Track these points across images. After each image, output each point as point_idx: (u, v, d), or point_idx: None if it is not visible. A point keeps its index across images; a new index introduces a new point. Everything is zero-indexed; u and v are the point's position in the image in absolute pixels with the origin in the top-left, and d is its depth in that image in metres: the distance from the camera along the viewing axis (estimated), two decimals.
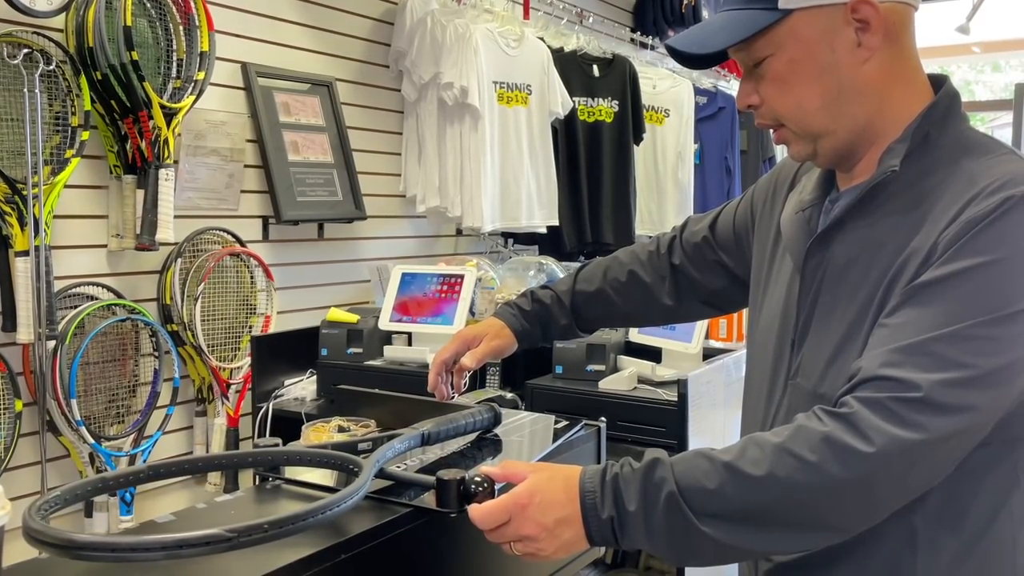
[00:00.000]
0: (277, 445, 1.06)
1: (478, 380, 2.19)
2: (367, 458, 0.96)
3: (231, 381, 2.40)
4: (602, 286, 1.39)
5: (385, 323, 2.26)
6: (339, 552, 0.85)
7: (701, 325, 1.95)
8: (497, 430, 1.27)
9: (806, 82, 0.95)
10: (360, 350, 2.25)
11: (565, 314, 1.38)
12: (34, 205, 1.92)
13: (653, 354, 2.04)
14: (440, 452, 1.16)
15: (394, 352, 2.22)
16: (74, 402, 2.02)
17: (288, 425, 2.11)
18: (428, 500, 0.97)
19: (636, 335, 2.07)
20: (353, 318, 2.28)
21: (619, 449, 1.84)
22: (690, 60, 1.03)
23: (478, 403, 1.82)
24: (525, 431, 1.28)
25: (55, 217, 2.06)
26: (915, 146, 0.95)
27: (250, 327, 2.49)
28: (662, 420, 1.83)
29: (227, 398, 2.40)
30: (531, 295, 1.41)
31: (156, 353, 2.24)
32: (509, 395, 2.09)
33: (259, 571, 0.76)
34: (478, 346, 1.35)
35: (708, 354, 2.01)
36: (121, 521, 2.14)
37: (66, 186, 2.05)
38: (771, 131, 1.03)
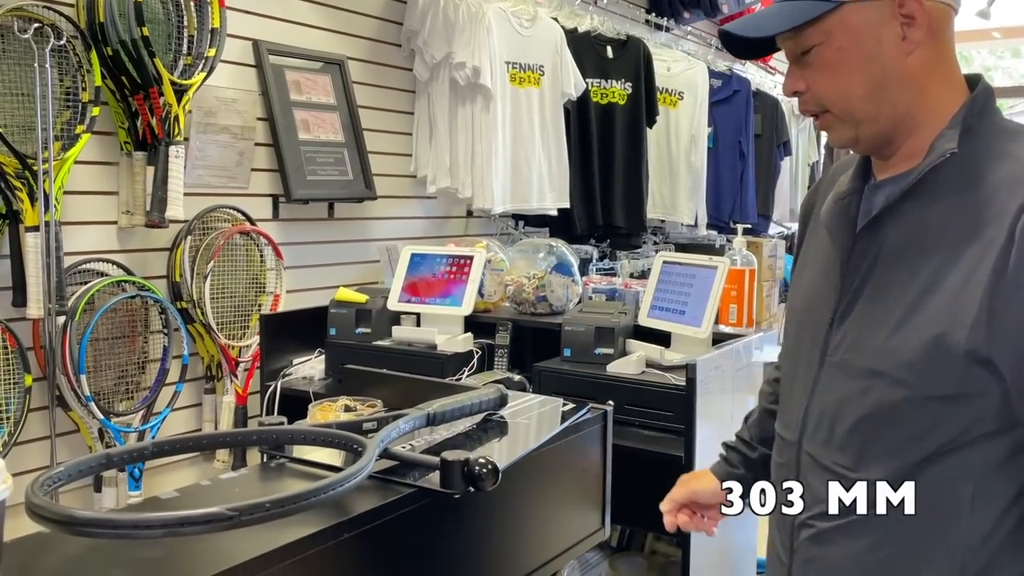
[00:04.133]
0: (283, 424, 1.05)
1: (486, 362, 2.19)
2: (372, 438, 0.95)
3: (240, 359, 2.41)
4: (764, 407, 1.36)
5: (394, 304, 2.26)
6: (342, 531, 0.85)
7: (711, 309, 1.94)
8: (503, 411, 1.26)
9: (853, 70, 1.01)
10: (368, 330, 2.25)
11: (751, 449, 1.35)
12: (44, 180, 1.92)
13: (662, 338, 2.03)
14: (446, 433, 1.16)
15: (402, 333, 2.22)
16: (83, 378, 2.02)
17: (296, 404, 2.11)
18: (433, 481, 0.96)
19: (645, 319, 2.06)
20: (362, 298, 2.28)
21: (626, 433, 1.83)
22: (740, 48, 1.10)
23: (485, 385, 1.82)
24: (531, 413, 1.27)
25: (65, 193, 2.06)
26: (960, 134, 0.99)
27: (259, 305, 2.49)
28: (670, 404, 1.82)
29: (236, 376, 2.40)
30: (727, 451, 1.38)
31: (165, 330, 2.25)
32: (517, 377, 2.09)
33: (262, 549, 0.76)
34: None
35: (718, 339, 1.99)
36: (130, 496, 2.16)
37: (77, 162, 2.05)
38: (814, 118, 1.08)
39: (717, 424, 1.80)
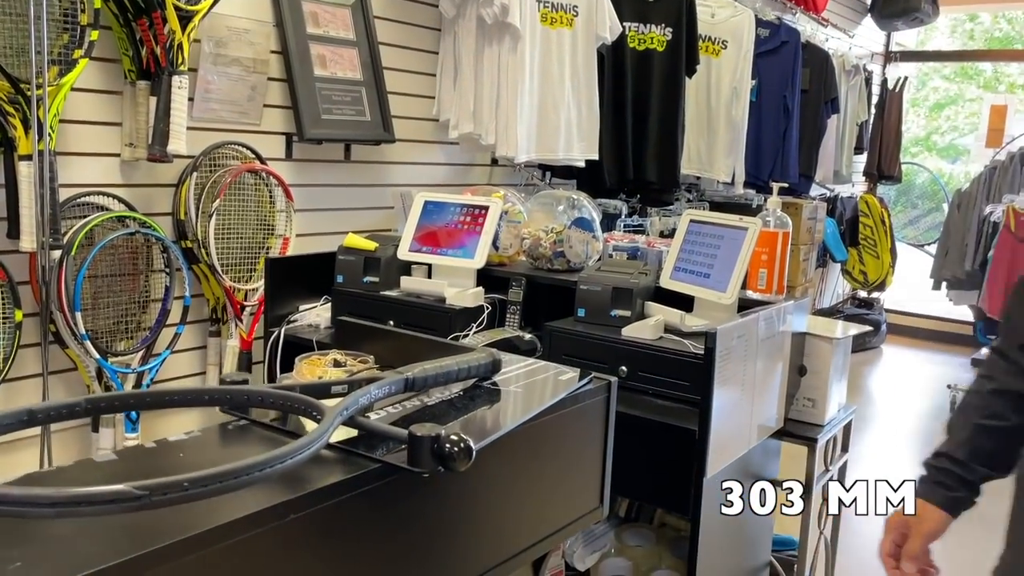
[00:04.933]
0: (245, 382, 0.95)
1: (496, 318, 2.08)
2: (334, 405, 0.85)
3: (245, 303, 2.33)
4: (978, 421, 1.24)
5: (404, 253, 2.15)
6: (287, 512, 0.75)
7: (738, 273, 1.80)
8: (497, 378, 1.16)
9: None
10: (377, 279, 2.15)
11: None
12: (38, 107, 1.83)
13: (685, 302, 1.90)
14: (428, 399, 1.05)
15: (411, 284, 2.11)
16: (79, 315, 1.95)
17: (300, 352, 2.03)
18: (402, 457, 0.86)
19: (667, 280, 1.93)
20: (371, 245, 2.17)
21: (639, 402, 1.72)
22: None
23: (485, 345, 1.71)
24: (527, 381, 1.16)
25: (65, 122, 1.97)
26: None
27: (268, 248, 2.40)
28: (687, 373, 1.71)
29: (240, 320, 2.33)
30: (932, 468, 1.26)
31: (167, 270, 2.17)
32: (527, 336, 1.98)
33: (193, 528, 0.67)
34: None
35: (744, 306, 1.86)
36: (126, 439, 2.10)
37: (77, 89, 1.95)
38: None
39: (737, 396, 1.68)
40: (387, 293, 2.13)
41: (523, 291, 2.10)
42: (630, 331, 1.80)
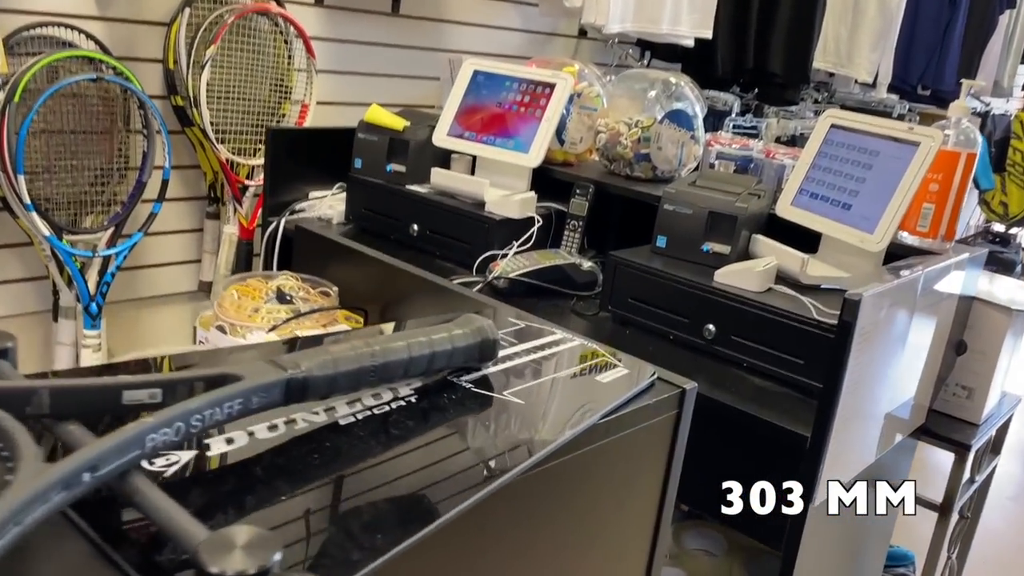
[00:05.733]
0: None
1: (549, 236, 1.58)
2: (32, 469, 0.38)
3: (247, 182, 1.88)
4: None
5: (441, 137, 1.65)
6: None
7: (896, 208, 1.25)
8: (491, 369, 0.68)
9: None
10: (403, 168, 1.66)
11: None
12: None
13: (809, 240, 1.36)
14: (348, 409, 0.58)
15: (443, 179, 1.62)
16: (21, 179, 1.54)
17: (310, 246, 1.58)
18: None
19: (788, 207, 1.39)
20: (399, 123, 1.68)
21: (725, 377, 1.22)
22: None
23: (526, 274, 1.23)
24: (536, 382, 0.68)
25: None
26: None
27: (281, 116, 1.93)
28: (803, 347, 1.18)
29: (240, 203, 1.89)
30: None
31: (145, 131, 1.73)
32: (586, 264, 1.48)
33: None
34: None
35: (893, 255, 1.31)
36: (85, 336, 1.72)
37: None
38: None
39: (872, 387, 1.15)
40: (413, 188, 1.64)
41: (589, 202, 1.58)
42: (727, 275, 1.28)
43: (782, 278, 1.31)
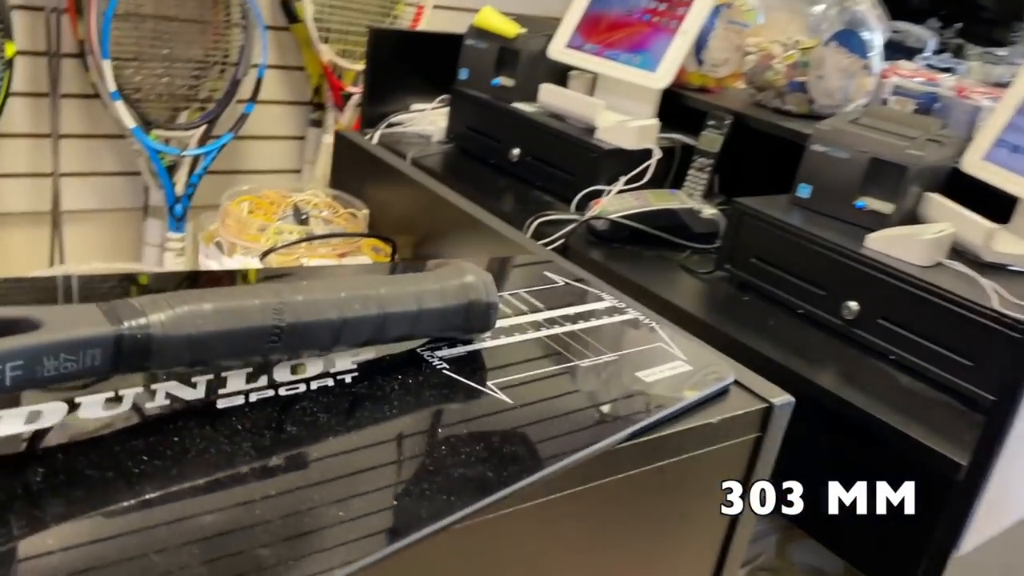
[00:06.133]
0: None
1: (670, 174, 1.33)
2: None
3: (351, 89, 1.73)
4: None
5: (557, 48, 1.42)
6: None
7: None
8: (487, 344, 0.47)
9: None
10: (511, 83, 1.45)
11: None
12: None
13: (1002, 207, 1.05)
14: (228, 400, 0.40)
15: (552, 96, 1.40)
16: (106, 64, 1.45)
17: (351, 155, 1.41)
18: None
19: (977, 162, 1.07)
20: (512, 30, 1.46)
21: (864, 369, 0.95)
22: None
23: (629, 216, 1.03)
24: (550, 370, 0.46)
25: None
26: None
27: (394, 18, 1.75)
28: (974, 346, 0.90)
29: (342, 111, 1.74)
30: None
31: (244, 23, 1.60)
32: (708, 212, 1.23)
33: None
34: None
35: None
36: (168, 238, 1.64)
37: None
38: None
39: None
40: (519, 106, 1.43)
41: (725, 137, 1.31)
42: (884, 241, 1.00)
43: (958, 252, 1.01)
